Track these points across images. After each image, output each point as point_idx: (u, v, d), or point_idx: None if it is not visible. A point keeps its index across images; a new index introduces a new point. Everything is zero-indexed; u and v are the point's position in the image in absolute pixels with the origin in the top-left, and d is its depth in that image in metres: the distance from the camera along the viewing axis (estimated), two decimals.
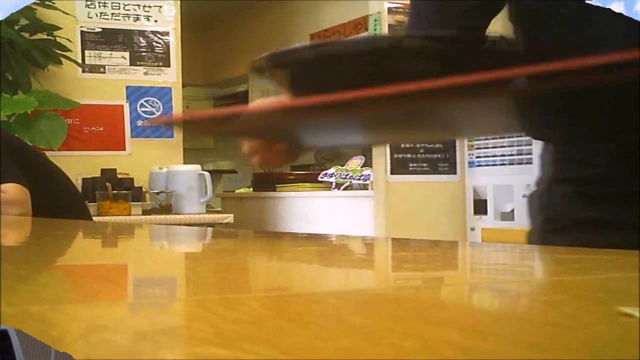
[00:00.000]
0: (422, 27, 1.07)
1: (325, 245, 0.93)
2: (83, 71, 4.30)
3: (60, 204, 2.38)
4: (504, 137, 4.52)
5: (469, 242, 3.81)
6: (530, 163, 4.53)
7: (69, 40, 4.12)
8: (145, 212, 3.91)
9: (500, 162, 4.63)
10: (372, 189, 4.20)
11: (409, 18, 1.13)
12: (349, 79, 0.73)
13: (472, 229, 4.20)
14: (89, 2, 4.33)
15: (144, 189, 4.09)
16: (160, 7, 4.49)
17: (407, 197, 4.09)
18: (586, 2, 0.90)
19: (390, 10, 5.05)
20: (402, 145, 4.06)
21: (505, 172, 4.58)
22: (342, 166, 4.59)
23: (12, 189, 2.32)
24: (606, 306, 0.33)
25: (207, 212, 4.22)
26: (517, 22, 1.01)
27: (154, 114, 4.44)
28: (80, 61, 4.26)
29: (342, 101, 0.68)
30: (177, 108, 4.53)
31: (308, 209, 4.64)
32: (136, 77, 4.43)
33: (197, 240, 1.13)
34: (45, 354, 1.11)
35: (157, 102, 4.46)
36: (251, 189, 5.44)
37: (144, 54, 4.46)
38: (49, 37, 4.06)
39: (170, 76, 4.52)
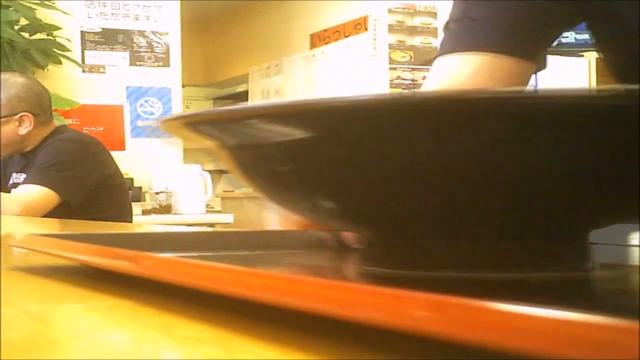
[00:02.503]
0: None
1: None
2: (83, 71, 4.30)
3: (120, 214, 2.41)
4: None
5: None
6: None
7: (69, 40, 4.12)
8: (145, 212, 3.91)
9: None
10: None
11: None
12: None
13: None
14: (89, 2, 4.33)
15: (143, 189, 4.09)
16: (160, 7, 4.49)
17: None
18: None
19: (390, 10, 5.04)
20: None
21: None
22: None
23: (31, 189, 2.36)
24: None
25: (207, 212, 4.22)
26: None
27: (154, 114, 4.44)
28: (80, 61, 4.26)
29: None
30: (177, 108, 4.53)
31: None
32: (136, 77, 4.43)
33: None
34: None
35: (157, 102, 4.46)
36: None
37: (144, 54, 4.45)
38: (49, 37, 4.06)
39: (170, 76, 4.52)
